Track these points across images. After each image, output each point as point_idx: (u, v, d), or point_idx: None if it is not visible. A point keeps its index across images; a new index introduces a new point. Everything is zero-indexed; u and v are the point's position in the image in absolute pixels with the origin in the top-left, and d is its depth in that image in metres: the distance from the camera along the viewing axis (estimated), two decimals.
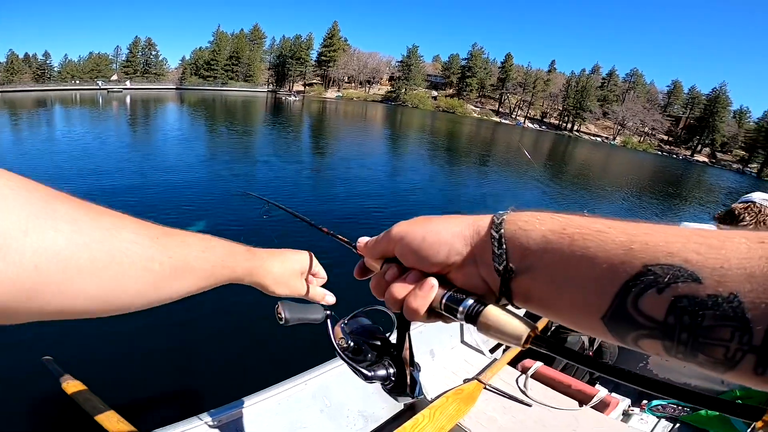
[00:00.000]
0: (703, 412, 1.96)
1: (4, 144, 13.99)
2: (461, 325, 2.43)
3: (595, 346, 2.39)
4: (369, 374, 0.41)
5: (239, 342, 3.66)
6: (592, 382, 2.22)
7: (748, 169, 63.80)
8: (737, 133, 68.25)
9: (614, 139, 74.23)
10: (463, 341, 2.47)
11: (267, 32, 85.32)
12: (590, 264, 0.26)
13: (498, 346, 2.56)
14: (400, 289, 0.37)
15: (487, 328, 0.31)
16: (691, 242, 0.24)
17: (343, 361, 0.44)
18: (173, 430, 1.37)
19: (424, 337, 2.26)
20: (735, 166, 65.94)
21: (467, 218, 0.35)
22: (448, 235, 0.35)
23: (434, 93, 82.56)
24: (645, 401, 2.14)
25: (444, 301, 0.34)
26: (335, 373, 1.83)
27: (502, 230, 0.31)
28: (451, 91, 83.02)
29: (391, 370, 0.41)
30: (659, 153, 69.72)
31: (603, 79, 78.78)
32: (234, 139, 18.09)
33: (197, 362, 3.36)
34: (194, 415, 1.44)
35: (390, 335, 0.45)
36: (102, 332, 3.70)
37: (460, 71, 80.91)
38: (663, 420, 2.03)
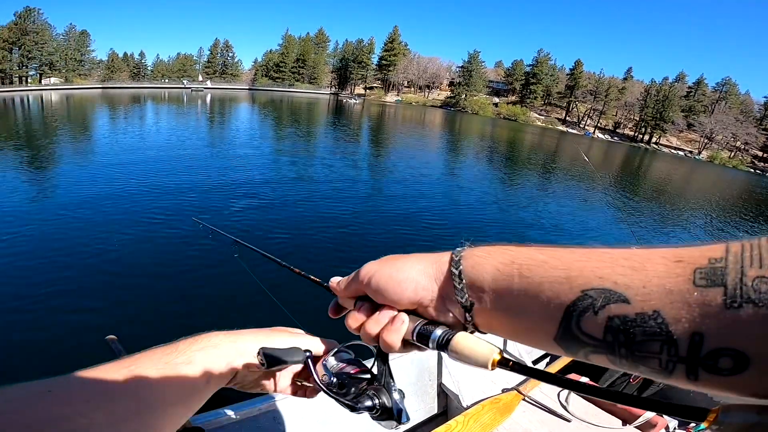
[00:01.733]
0: None
1: (107, 135, 16.11)
2: None
3: None
4: (356, 406, 0.43)
5: None
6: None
7: None
8: None
9: (699, 153, 67.02)
10: (505, 350, 2.46)
11: (331, 36, 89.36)
12: (537, 292, 0.29)
13: (542, 358, 2.56)
14: (373, 326, 0.40)
15: (456, 356, 0.34)
16: (618, 266, 0.27)
17: (330, 397, 0.45)
18: (202, 420, 1.40)
19: None
20: None
21: (430, 256, 0.38)
22: (413, 272, 0.37)
23: (495, 99, 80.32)
24: (692, 424, 2.04)
25: (415, 333, 0.37)
26: None
27: (461, 267, 0.34)
28: (513, 98, 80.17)
29: (377, 401, 0.43)
30: (752, 170, 61.64)
31: (689, 88, 71.65)
32: (297, 139, 19.11)
33: None
34: (221, 407, 1.48)
35: (372, 367, 0.48)
36: (164, 313, 4.10)
37: (523, 77, 77.96)
38: None
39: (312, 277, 0.59)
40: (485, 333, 0.35)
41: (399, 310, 0.39)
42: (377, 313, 0.40)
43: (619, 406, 2.01)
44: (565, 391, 2.12)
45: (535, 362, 2.50)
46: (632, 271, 0.26)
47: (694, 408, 0.24)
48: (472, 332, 0.35)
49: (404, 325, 0.38)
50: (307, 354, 0.47)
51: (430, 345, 0.35)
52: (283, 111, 35.89)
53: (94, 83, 64.13)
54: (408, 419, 0.44)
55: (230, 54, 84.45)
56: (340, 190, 9.68)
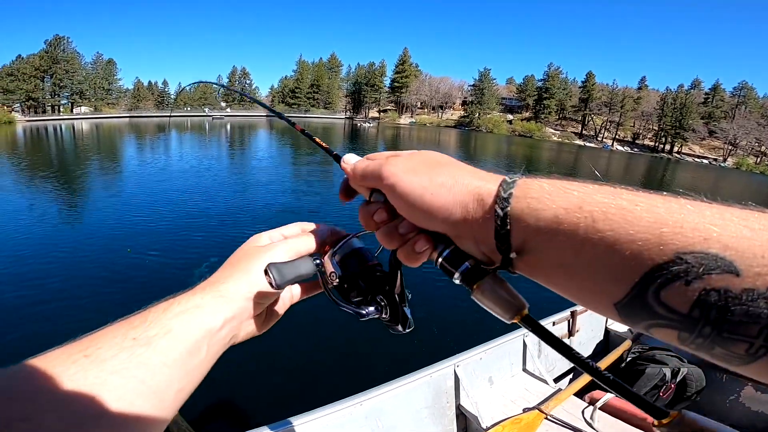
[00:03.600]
0: None
1: (134, 163, 16.82)
2: (524, 353, 2.41)
3: (678, 378, 2.21)
4: (363, 312, 0.40)
5: (298, 360, 3.83)
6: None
7: None
8: None
9: (725, 160, 64.97)
10: (525, 369, 2.42)
11: (343, 60, 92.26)
12: (610, 249, 0.23)
13: (563, 375, 2.49)
14: (391, 237, 0.35)
15: (480, 299, 0.31)
16: (732, 225, 0.21)
17: (333, 302, 0.42)
18: None
19: (484, 363, 2.23)
20: None
21: (474, 180, 0.31)
22: (450, 202, 0.31)
23: (509, 116, 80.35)
24: None
25: (440, 259, 0.33)
26: (390, 396, 1.85)
27: (509, 208, 0.28)
28: (527, 114, 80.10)
29: (383, 304, 0.41)
30: None
31: (706, 94, 70.20)
32: (317, 167, 19.56)
33: (258, 378, 3.57)
34: (251, 428, 1.51)
35: (378, 252, 0.44)
36: None
37: (536, 93, 78.03)
38: None
39: (318, 139, 0.52)
40: (517, 275, 0.30)
41: (421, 230, 0.34)
42: (396, 223, 0.35)
43: (650, 420, 1.93)
44: (590, 408, 2.05)
45: (557, 380, 2.43)
46: (750, 234, 0.20)
47: (658, 408, 0.23)
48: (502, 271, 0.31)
49: (427, 252, 0.33)
50: (317, 262, 0.42)
51: (455, 276, 0.32)
52: (300, 137, 36.83)
53: (121, 112, 67.64)
54: (413, 327, 0.42)
55: (248, 81, 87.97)
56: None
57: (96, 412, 0.28)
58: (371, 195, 0.37)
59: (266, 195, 10.97)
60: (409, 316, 0.42)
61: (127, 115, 65.90)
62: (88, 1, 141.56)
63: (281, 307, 0.47)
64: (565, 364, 2.64)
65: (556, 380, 2.41)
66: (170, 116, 61.39)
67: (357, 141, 37.04)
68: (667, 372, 2.21)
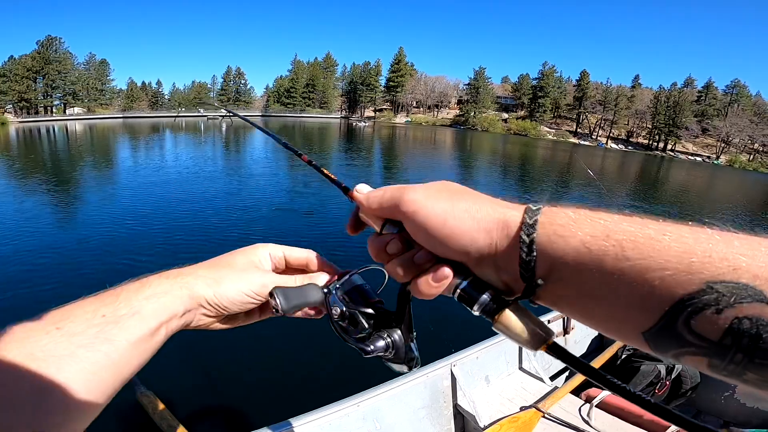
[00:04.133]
0: None
1: (128, 164, 16.65)
2: (520, 351, 2.42)
3: (673, 375, 2.23)
4: (368, 349, 0.39)
5: (296, 362, 3.81)
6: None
7: None
8: None
9: (718, 158, 65.57)
10: (521, 368, 2.42)
11: (338, 60, 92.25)
12: (638, 279, 0.23)
13: (560, 373, 2.50)
14: (406, 268, 0.34)
15: (502, 331, 0.30)
16: (760, 255, 0.21)
17: (338, 336, 0.41)
18: None
19: (480, 362, 2.24)
20: None
21: (498, 209, 0.30)
22: (473, 229, 0.30)
23: (504, 115, 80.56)
24: None
25: (460, 290, 0.32)
26: (387, 397, 1.86)
27: (534, 234, 0.28)
28: (522, 112, 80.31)
29: (389, 340, 0.40)
30: None
31: (699, 92, 70.78)
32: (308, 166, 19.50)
33: (256, 380, 3.55)
34: (247, 431, 1.52)
35: (379, 290, 0.43)
36: (177, 348, 4.06)
37: (531, 92, 78.19)
38: None
39: (326, 171, 0.50)
40: (537, 305, 0.30)
41: (439, 259, 0.33)
42: (413, 253, 0.34)
43: (646, 417, 1.95)
44: (587, 406, 2.06)
45: (553, 378, 2.44)
46: None
47: (705, 428, 0.22)
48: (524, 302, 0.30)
49: (447, 281, 0.32)
50: (325, 291, 0.42)
51: (474, 308, 0.31)
52: (296, 138, 36.70)
53: (115, 113, 67.02)
54: (419, 365, 0.41)
55: (242, 81, 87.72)
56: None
57: (63, 380, 0.30)
58: (383, 226, 0.36)
59: (262, 197, 10.92)
60: (416, 353, 0.41)
61: (120, 116, 65.41)
62: (80, 1, 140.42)
63: (244, 321, 0.47)
64: (561, 362, 2.66)
65: (552, 378, 2.43)
66: (177, 116, 60.90)
67: (353, 141, 36.97)
68: (662, 369, 2.23)
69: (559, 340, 2.65)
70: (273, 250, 0.46)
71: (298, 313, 0.44)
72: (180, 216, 8.53)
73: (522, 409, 2.05)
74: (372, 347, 0.39)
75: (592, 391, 2.13)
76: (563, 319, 2.70)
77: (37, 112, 58.47)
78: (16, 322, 0.32)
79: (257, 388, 3.46)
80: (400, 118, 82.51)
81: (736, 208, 18.35)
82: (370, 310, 0.41)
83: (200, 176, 13.72)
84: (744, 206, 19.28)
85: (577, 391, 2.16)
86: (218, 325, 0.44)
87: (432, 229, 0.31)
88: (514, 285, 0.30)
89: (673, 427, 1.85)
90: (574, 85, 76.24)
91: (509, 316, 0.29)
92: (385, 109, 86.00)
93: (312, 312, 0.45)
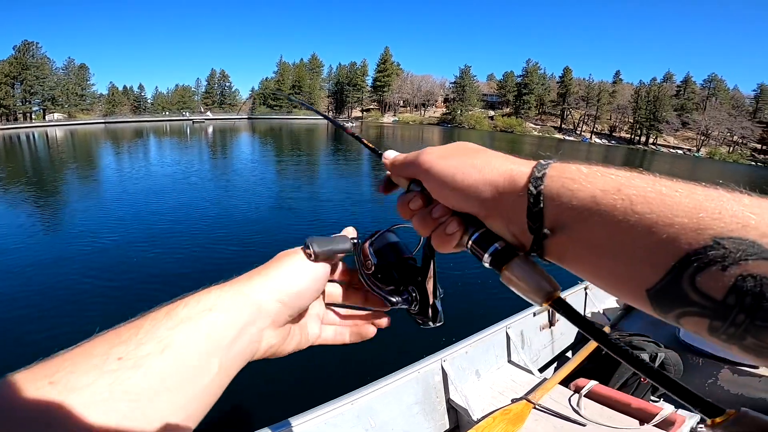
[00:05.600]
0: None
1: (114, 171, 16.24)
2: (508, 344, 2.45)
3: (657, 363, 2.29)
4: (394, 300, 0.41)
5: (288, 361, 3.82)
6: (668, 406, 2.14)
7: None
8: None
9: (698, 150, 67.27)
10: (510, 361, 2.45)
11: (324, 60, 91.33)
12: (647, 232, 0.23)
13: (548, 365, 2.54)
14: (425, 222, 0.36)
15: (509, 280, 0.30)
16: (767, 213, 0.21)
17: (367, 287, 0.42)
18: None
19: (470, 357, 2.26)
20: None
21: (506, 163, 0.32)
22: (480, 182, 0.32)
23: (491, 113, 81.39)
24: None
25: (470, 242, 0.33)
26: (380, 393, 1.86)
27: (542, 186, 0.28)
28: (508, 109, 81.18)
29: (415, 294, 0.41)
30: (753, 163, 61.60)
31: (678, 86, 72.62)
32: (301, 167, 19.39)
33: (246, 381, 3.55)
34: None
35: (415, 252, 0.45)
36: None
37: (516, 89, 79.08)
38: None
39: (365, 141, 0.54)
40: (547, 262, 0.30)
41: (454, 212, 0.34)
42: (430, 208, 0.36)
43: (634, 405, 2.00)
44: (577, 395, 2.11)
45: (542, 369, 2.48)
46: None
47: (711, 404, 0.22)
48: (533, 257, 0.30)
49: (457, 233, 0.34)
50: (354, 241, 0.44)
51: (484, 258, 0.32)
52: (284, 140, 36.37)
53: (96, 118, 65.47)
54: (443, 321, 0.42)
55: (227, 84, 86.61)
56: (355, 214, 9.75)
57: None
58: (409, 186, 0.39)
59: (258, 202, 10.79)
60: (440, 309, 0.42)
61: (102, 121, 64.04)
62: (55, 6, 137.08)
63: (312, 329, 0.45)
64: (549, 354, 2.70)
65: (541, 370, 2.47)
66: (191, 119, 59.80)
67: (340, 141, 36.86)
68: (645, 357, 2.28)
69: (545, 333, 2.71)
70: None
71: (336, 275, 0.45)
72: (174, 222, 8.36)
73: (513, 401, 2.09)
74: (397, 299, 0.41)
75: (581, 381, 2.18)
76: (548, 312, 2.75)
77: (16, 119, 56.92)
78: None
79: (247, 389, 3.44)
80: (388, 118, 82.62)
81: None
82: (401, 263, 0.43)
83: (195, 181, 13.48)
84: None
85: (565, 382, 2.20)
86: (286, 347, 0.41)
87: (443, 183, 0.33)
88: (523, 238, 0.30)
89: (660, 415, 1.91)
90: (558, 82, 77.34)
91: (516, 267, 0.30)
92: (373, 109, 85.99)
93: (343, 276, 0.46)
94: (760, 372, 2.24)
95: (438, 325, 0.42)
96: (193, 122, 62.62)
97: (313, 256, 0.40)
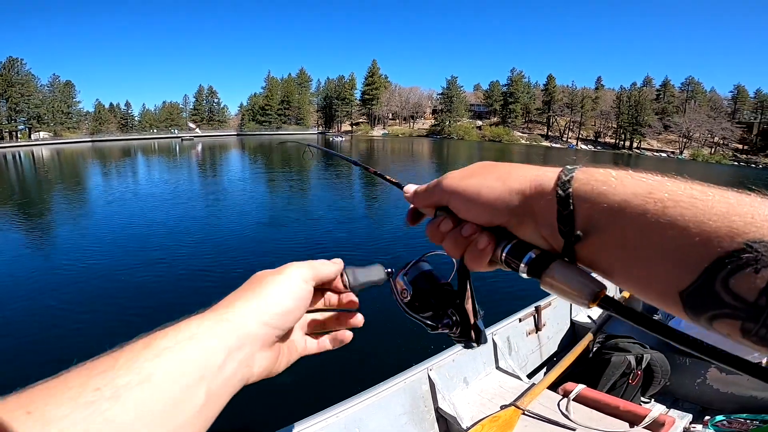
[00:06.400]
0: None
1: (101, 193, 15.97)
2: (495, 351, 2.45)
3: (644, 364, 2.30)
4: (434, 324, 0.41)
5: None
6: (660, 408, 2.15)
7: None
8: None
9: (681, 152, 68.80)
10: (498, 367, 2.44)
11: (312, 75, 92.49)
12: (680, 234, 0.24)
13: (536, 370, 2.54)
14: (456, 243, 0.36)
15: (551, 285, 0.30)
16: None
17: (407, 315, 0.43)
18: None
19: (457, 365, 2.25)
20: None
21: (530, 171, 0.33)
22: (506, 191, 0.32)
23: (479, 123, 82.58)
24: (707, 417, 2.01)
25: (504, 254, 0.33)
26: (367, 404, 1.83)
27: (570, 189, 0.29)
28: (495, 119, 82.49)
29: (456, 318, 0.41)
30: (735, 163, 63.23)
31: (657, 90, 74.79)
32: (293, 183, 19.35)
33: (236, 396, 3.46)
34: None
35: (450, 278, 0.45)
36: None
37: (502, 98, 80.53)
38: None
39: (388, 177, 0.55)
40: (579, 267, 0.30)
41: (484, 228, 0.35)
42: (460, 228, 0.36)
43: (623, 408, 2.00)
44: (565, 400, 2.11)
45: (530, 375, 2.48)
46: None
47: None
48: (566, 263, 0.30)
49: (490, 247, 0.34)
50: (388, 271, 0.45)
51: (521, 269, 0.32)
52: (274, 155, 36.26)
53: (83, 136, 65.06)
54: (486, 341, 0.42)
55: (215, 100, 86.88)
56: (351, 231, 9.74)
57: None
58: (435, 213, 0.40)
59: (250, 221, 10.72)
60: (482, 329, 0.42)
61: (89, 139, 63.48)
62: (37, 21, 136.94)
63: (299, 343, 0.44)
64: (537, 359, 2.70)
65: (530, 375, 2.46)
66: (180, 136, 59.36)
67: (330, 156, 36.84)
68: (632, 359, 2.30)
69: (531, 338, 2.72)
70: (306, 266, 0.42)
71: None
72: (171, 248, 8.10)
73: (502, 407, 2.07)
74: (438, 324, 0.41)
75: (569, 385, 2.17)
76: (533, 317, 2.76)
77: (2, 138, 56.08)
78: None
79: (232, 405, 3.36)
80: (377, 131, 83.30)
81: None
82: (438, 289, 0.43)
83: (186, 202, 13.33)
84: None
85: (554, 387, 2.20)
86: (279, 366, 0.40)
87: (470, 200, 0.34)
88: (555, 242, 0.30)
89: (650, 416, 1.92)
90: (542, 90, 79.13)
91: (556, 272, 0.30)
92: (362, 122, 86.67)
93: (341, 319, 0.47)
94: None
95: (483, 344, 0.42)
96: (182, 140, 62.38)
97: (349, 286, 0.41)
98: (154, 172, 24.05)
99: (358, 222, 10.29)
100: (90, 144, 57.80)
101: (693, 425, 2.01)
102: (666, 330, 0.26)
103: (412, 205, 0.44)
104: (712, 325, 0.23)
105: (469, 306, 0.42)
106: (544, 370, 2.67)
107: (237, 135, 76.18)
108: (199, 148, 46.52)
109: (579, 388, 2.12)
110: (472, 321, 0.41)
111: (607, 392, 2.21)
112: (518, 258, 0.32)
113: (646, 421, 1.89)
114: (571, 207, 0.28)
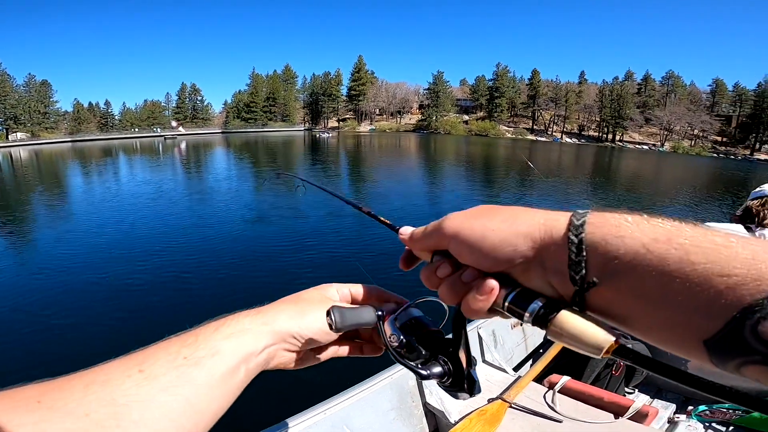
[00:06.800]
0: (756, 414, 1.86)
1: (82, 195, 15.65)
2: (481, 344, 2.47)
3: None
4: (424, 373, 0.39)
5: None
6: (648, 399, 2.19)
7: None
8: None
9: (662, 145, 70.42)
10: (484, 360, 2.45)
11: (298, 71, 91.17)
12: (705, 283, 0.23)
13: (522, 363, 2.57)
14: (456, 289, 0.35)
15: (558, 335, 0.29)
16: None
17: (396, 361, 0.42)
18: None
19: None
20: None
21: (538, 215, 0.31)
22: (512, 235, 0.31)
23: (465, 117, 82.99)
24: (690, 407, 2.06)
25: (507, 302, 0.32)
26: (354, 401, 1.82)
27: (584, 234, 0.28)
28: (481, 113, 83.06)
29: (448, 367, 0.40)
30: (715, 155, 64.95)
31: (638, 84, 76.21)
32: (279, 182, 19.09)
33: None
34: None
35: (441, 325, 0.44)
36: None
37: (488, 92, 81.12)
38: (713, 425, 1.95)
39: (381, 218, 0.53)
40: (589, 315, 0.29)
41: (486, 273, 0.33)
42: (460, 273, 0.35)
43: (607, 399, 2.04)
44: (551, 392, 2.13)
45: (516, 368, 2.51)
46: None
47: None
48: (575, 311, 0.29)
49: (494, 293, 0.32)
50: (379, 314, 0.44)
51: (525, 317, 0.31)
52: (260, 154, 35.76)
53: (62, 137, 63.25)
54: (480, 391, 0.41)
55: (199, 98, 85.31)
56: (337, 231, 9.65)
57: (145, 428, 0.29)
58: (432, 257, 0.38)
59: (237, 225, 10.56)
60: (477, 378, 0.40)
61: (69, 139, 61.70)
62: (11, 20, 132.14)
63: (324, 356, 0.47)
64: (523, 351, 2.73)
65: (516, 368, 2.48)
66: (163, 135, 57.99)
67: (318, 152, 36.68)
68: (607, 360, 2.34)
69: (516, 331, 2.74)
70: (340, 288, 0.49)
71: (360, 353, 0.49)
72: (155, 251, 7.96)
73: (489, 401, 2.08)
74: (428, 372, 0.40)
75: (554, 377, 2.20)
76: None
77: None
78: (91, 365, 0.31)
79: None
80: (365, 127, 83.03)
81: (686, 190, 19.75)
82: (428, 336, 0.43)
83: (170, 203, 13.06)
84: (693, 188, 20.71)
85: (539, 379, 2.22)
86: (296, 364, 0.45)
87: (473, 244, 0.33)
88: (563, 289, 0.29)
89: (633, 407, 1.95)
90: (527, 84, 79.87)
91: (563, 322, 0.28)
92: (349, 118, 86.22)
93: (368, 348, 0.49)
94: None
95: (476, 395, 0.41)
96: (165, 138, 61.13)
97: (334, 327, 0.41)
98: (137, 171, 23.56)
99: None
100: (69, 144, 56.20)
101: (677, 415, 2.04)
102: (693, 379, 0.25)
103: (407, 248, 0.42)
104: (741, 371, 0.23)
105: (462, 354, 0.40)
106: (530, 362, 2.70)
107: (222, 133, 74.99)
108: (183, 146, 45.66)
109: (564, 380, 2.15)
110: (465, 370, 0.40)
111: (592, 383, 2.24)
112: (522, 307, 0.31)
113: (630, 412, 1.91)
114: (584, 253, 0.27)
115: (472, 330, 2.44)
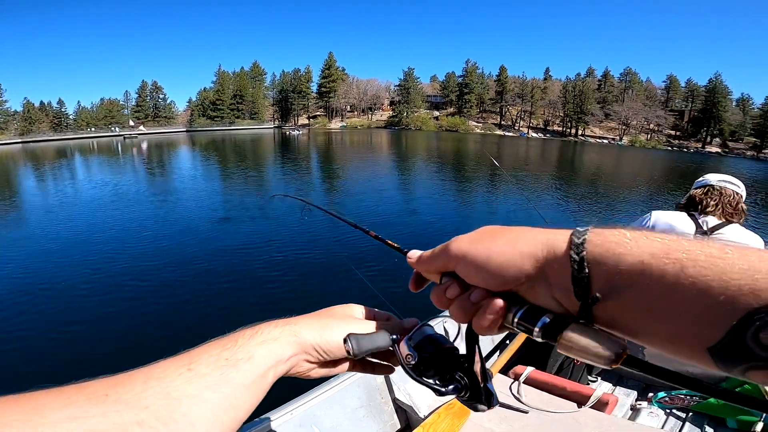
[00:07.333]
0: (713, 399, 1.93)
1: (36, 198, 14.59)
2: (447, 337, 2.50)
3: None
4: (442, 389, 0.41)
5: None
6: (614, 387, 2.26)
7: (763, 154, 62.08)
8: (744, 120, 67.65)
9: (621, 139, 73.71)
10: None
11: (267, 68, 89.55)
12: (704, 293, 0.24)
13: (489, 355, 2.62)
14: (465, 308, 0.36)
15: (568, 348, 0.30)
16: None
17: (411, 379, 0.44)
18: None
19: None
20: (749, 153, 64.29)
21: (540, 234, 0.33)
22: (516, 255, 0.33)
23: (436, 113, 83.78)
24: (651, 394, 2.12)
25: (517, 319, 0.33)
26: (321, 400, 1.80)
27: (584, 252, 0.29)
28: (451, 109, 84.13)
29: (464, 382, 0.41)
30: (669, 148, 68.77)
31: (599, 81, 79.36)
32: (250, 180, 18.61)
33: None
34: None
35: (455, 341, 0.46)
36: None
37: (457, 89, 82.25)
38: (674, 411, 2.02)
39: (389, 241, 0.55)
40: (597, 327, 0.30)
41: (494, 293, 0.35)
42: (469, 293, 0.36)
43: (570, 388, 2.10)
44: (516, 383, 2.18)
45: (486, 357, 2.55)
46: None
47: (761, 401, 0.24)
48: (583, 324, 0.30)
49: (501, 311, 0.34)
50: (393, 337, 0.46)
51: (534, 333, 0.32)
52: (228, 152, 34.61)
53: (11, 138, 59.26)
54: (498, 402, 0.43)
55: (161, 96, 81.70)
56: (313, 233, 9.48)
57: (191, 421, 0.33)
58: (441, 279, 0.40)
59: (205, 227, 10.17)
60: (494, 391, 0.42)
61: (19, 140, 57.64)
62: None
63: (338, 369, 0.49)
64: (489, 344, 2.77)
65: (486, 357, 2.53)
66: (122, 134, 54.73)
67: (288, 150, 36.01)
68: None
69: None
70: (364, 310, 0.52)
71: (380, 369, 0.52)
72: (115, 258, 7.56)
73: None
74: (445, 389, 0.41)
75: (519, 368, 2.25)
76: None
77: None
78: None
79: None
80: (335, 124, 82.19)
81: (643, 181, 20.82)
82: (444, 353, 0.44)
83: (131, 205, 12.41)
84: (650, 180, 21.88)
85: (505, 370, 2.26)
86: (313, 373, 0.47)
87: (480, 266, 0.34)
88: (569, 305, 0.30)
89: (595, 396, 2.01)
90: (495, 80, 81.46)
91: (573, 335, 0.29)
92: (319, 115, 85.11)
93: (380, 368, 0.52)
94: None
95: (494, 407, 0.43)
96: (125, 138, 58.18)
97: (352, 353, 0.43)
98: (95, 173, 22.29)
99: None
100: (20, 145, 52.53)
101: (638, 402, 2.08)
102: (700, 384, 0.26)
103: (416, 270, 0.44)
104: (746, 375, 0.24)
105: (477, 369, 0.42)
106: (497, 353, 2.77)
107: (186, 131, 72.19)
108: (144, 146, 43.60)
109: (528, 370, 2.19)
110: (482, 384, 0.42)
111: (556, 373, 2.29)
112: (531, 323, 0.32)
113: (592, 400, 1.95)
114: (587, 270, 0.28)
115: (438, 323, 2.45)
